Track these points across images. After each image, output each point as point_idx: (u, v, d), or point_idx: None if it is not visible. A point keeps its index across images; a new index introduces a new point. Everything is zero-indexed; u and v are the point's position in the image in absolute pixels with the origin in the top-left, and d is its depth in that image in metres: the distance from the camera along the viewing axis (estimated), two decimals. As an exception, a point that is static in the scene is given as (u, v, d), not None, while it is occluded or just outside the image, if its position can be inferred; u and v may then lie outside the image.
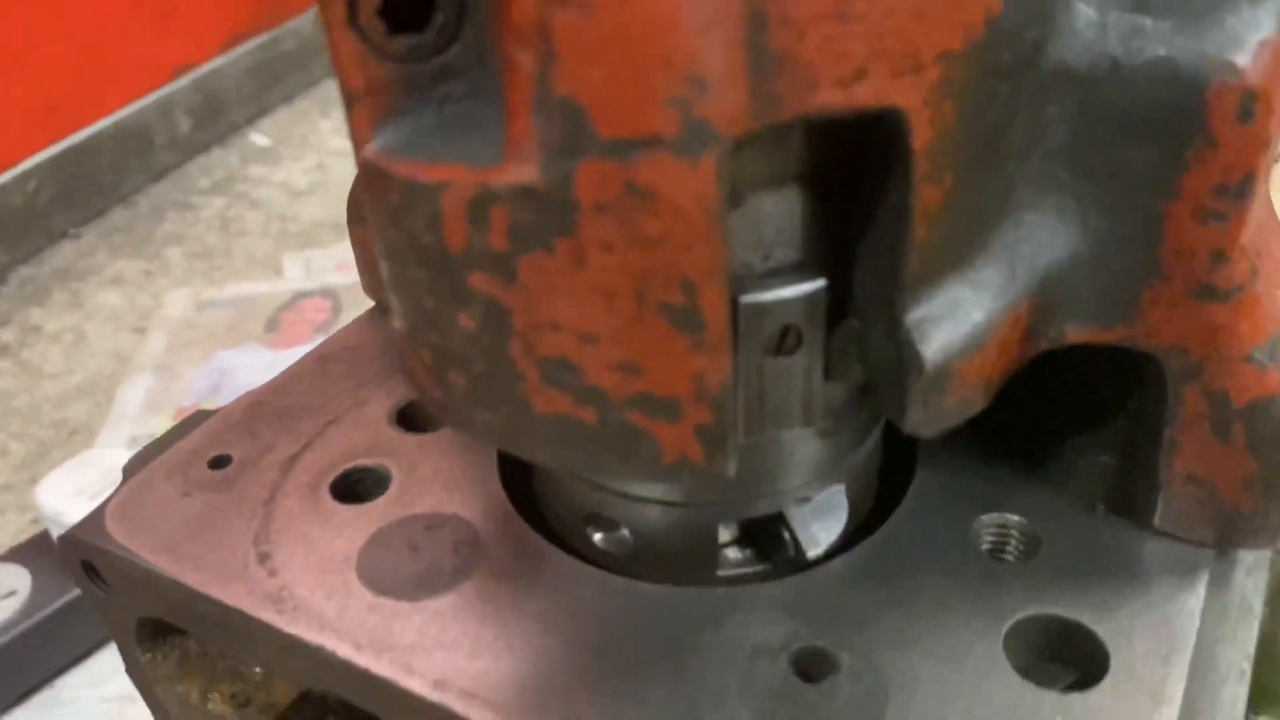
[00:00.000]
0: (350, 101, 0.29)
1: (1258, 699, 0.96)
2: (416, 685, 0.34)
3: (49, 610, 1.21)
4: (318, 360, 0.50)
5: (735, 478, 0.36)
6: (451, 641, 0.35)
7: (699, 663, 0.34)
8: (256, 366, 1.68)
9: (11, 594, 1.22)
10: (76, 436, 1.66)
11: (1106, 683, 0.33)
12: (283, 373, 0.49)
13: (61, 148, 2.11)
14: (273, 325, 1.83)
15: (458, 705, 0.33)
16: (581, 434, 0.30)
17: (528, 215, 0.26)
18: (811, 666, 0.34)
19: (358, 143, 0.29)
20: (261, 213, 2.20)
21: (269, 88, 2.51)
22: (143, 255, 2.09)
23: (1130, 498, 0.39)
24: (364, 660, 0.35)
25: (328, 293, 1.89)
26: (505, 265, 0.27)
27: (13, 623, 1.21)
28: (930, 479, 0.41)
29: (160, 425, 1.59)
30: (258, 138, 2.47)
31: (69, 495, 1.26)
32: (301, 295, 1.90)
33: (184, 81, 2.32)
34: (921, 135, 0.27)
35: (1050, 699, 0.33)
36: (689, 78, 0.24)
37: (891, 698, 0.33)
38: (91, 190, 2.17)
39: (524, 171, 0.26)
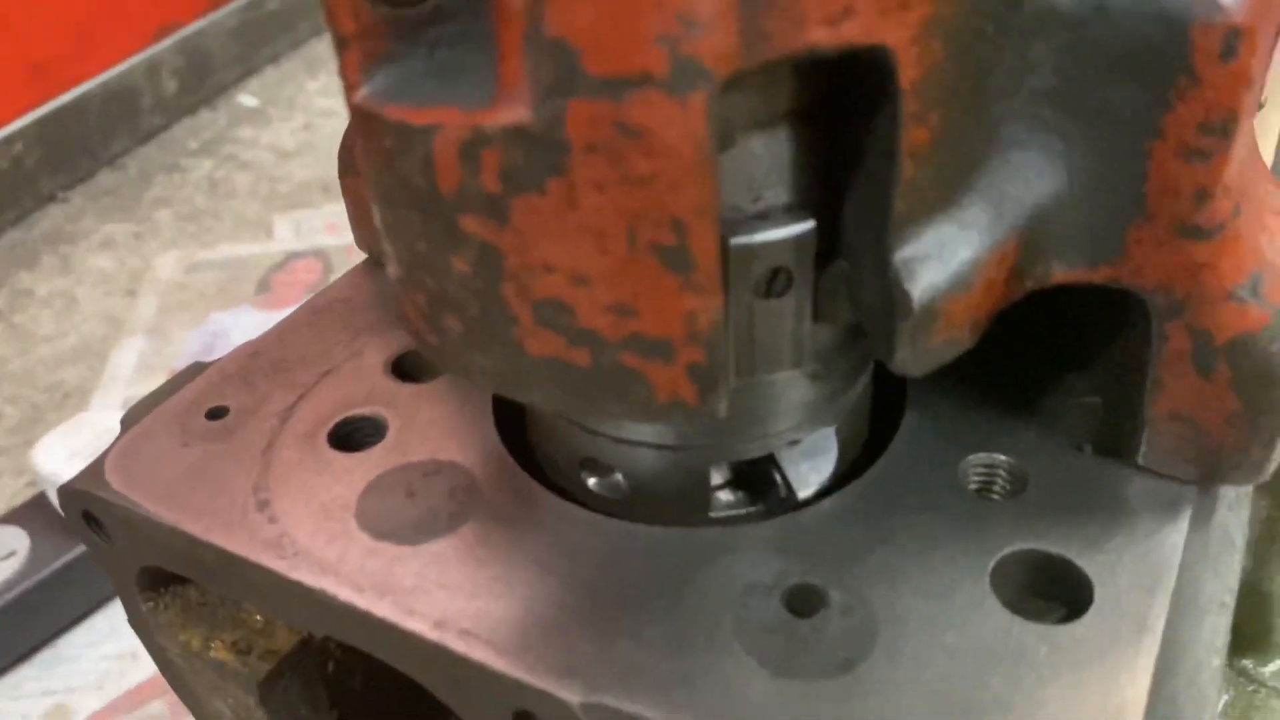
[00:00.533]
0: (341, 46, 0.29)
1: (1241, 643, 0.97)
2: (417, 626, 0.35)
3: (48, 571, 1.22)
4: (312, 312, 0.50)
5: (727, 420, 0.37)
6: (451, 583, 0.36)
7: (692, 600, 0.35)
8: (249, 328, 1.67)
9: (11, 555, 1.23)
10: (70, 400, 1.66)
11: (1091, 614, 0.34)
12: (277, 325, 0.49)
13: (47, 110, 2.09)
14: (264, 286, 1.83)
15: (457, 644, 0.34)
16: (575, 376, 0.30)
17: (519, 156, 0.27)
18: (802, 602, 0.35)
19: (349, 87, 0.29)
20: (251, 174, 2.18)
21: (256, 48, 2.49)
22: (132, 218, 2.08)
23: (1116, 436, 0.39)
24: (365, 603, 0.36)
25: (319, 253, 1.89)
26: (497, 207, 0.28)
27: (12, 583, 1.22)
28: (920, 420, 0.41)
29: (154, 388, 1.59)
30: (245, 99, 2.45)
31: (65, 457, 1.26)
32: (293, 256, 1.89)
33: (169, 42, 2.30)
34: (909, 73, 0.27)
35: (1036, 630, 0.33)
36: (679, 15, 0.24)
37: (881, 631, 0.34)
38: (79, 153, 2.15)
39: (515, 112, 0.26)
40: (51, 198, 2.12)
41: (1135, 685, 0.32)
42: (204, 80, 2.40)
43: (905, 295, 0.30)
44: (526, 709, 0.33)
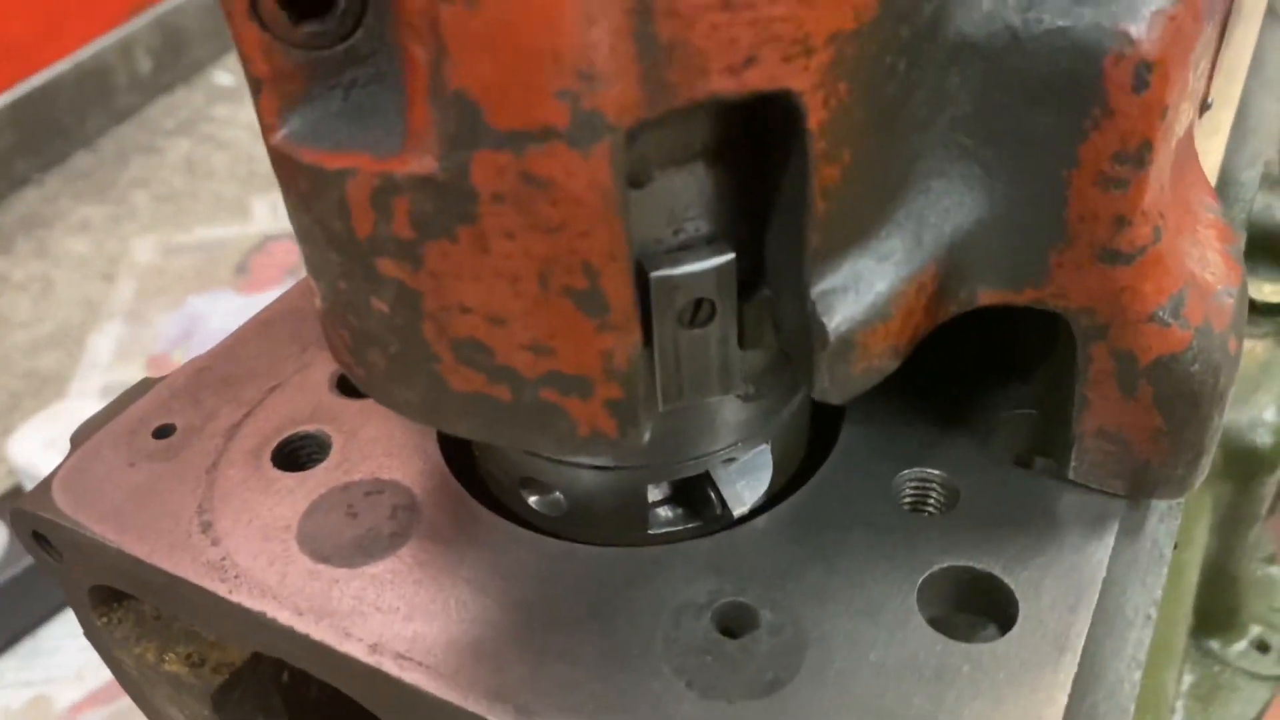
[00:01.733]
0: (256, 89, 0.29)
1: (1208, 624, 0.98)
2: (353, 649, 0.35)
3: (27, 562, 1.23)
4: (262, 325, 0.50)
5: (661, 442, 0.37)
6: (388, 606, 0.37)
7: (626, 620, 0.36)
8: (228, 311, 1.67)
9: (-12, 546, 1.24)
10: (49, 386, 1.66)
11: (1014, 632, 0.35)
12: (227, 338, 0.50)
13: (20, 92, 2.08)
14: (242, 269, 1.83)
15: (392, 668, 0.35)
16: (497, 410, 0.31)
17: (429, 204, 0.27)
18: (734, 621, 0.36)
19: (265, 130, 0.30)
20: (228, 154, 2.17)
21: (231, 24, 2.46)
22: (108, 200, 2.07)
23: (1048, 451, 0.40)
24: (303, 626, 0.36)
25: (296, 235, 1.88)
26: (411, 252, 0.28)
27: (-9, 574, 1.23)
28: (857, 436, 0.42)
29: (132, 373, 1.60)
30: (222, 76, 2.43)
31: (40, 448, 1.26)
32: (270, 238, 1.89)
33: (144, 19, 2.28)
34: (816, 115, 0.28)
35: (959, 649, 0.34)
36: (577, 70, 0.24)
37: (808, 651, 0.34)
38: (53, 134, 2.14)
39: (423, 162, 0.26)
40: (26, 181, 2.11)
41: (1053, 703, 0.33)
42: (179, 58, 2.38)
43: (821, 328, 0.31)
44: (461, 731, 0.34)
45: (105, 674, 1.18)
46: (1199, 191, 0.44)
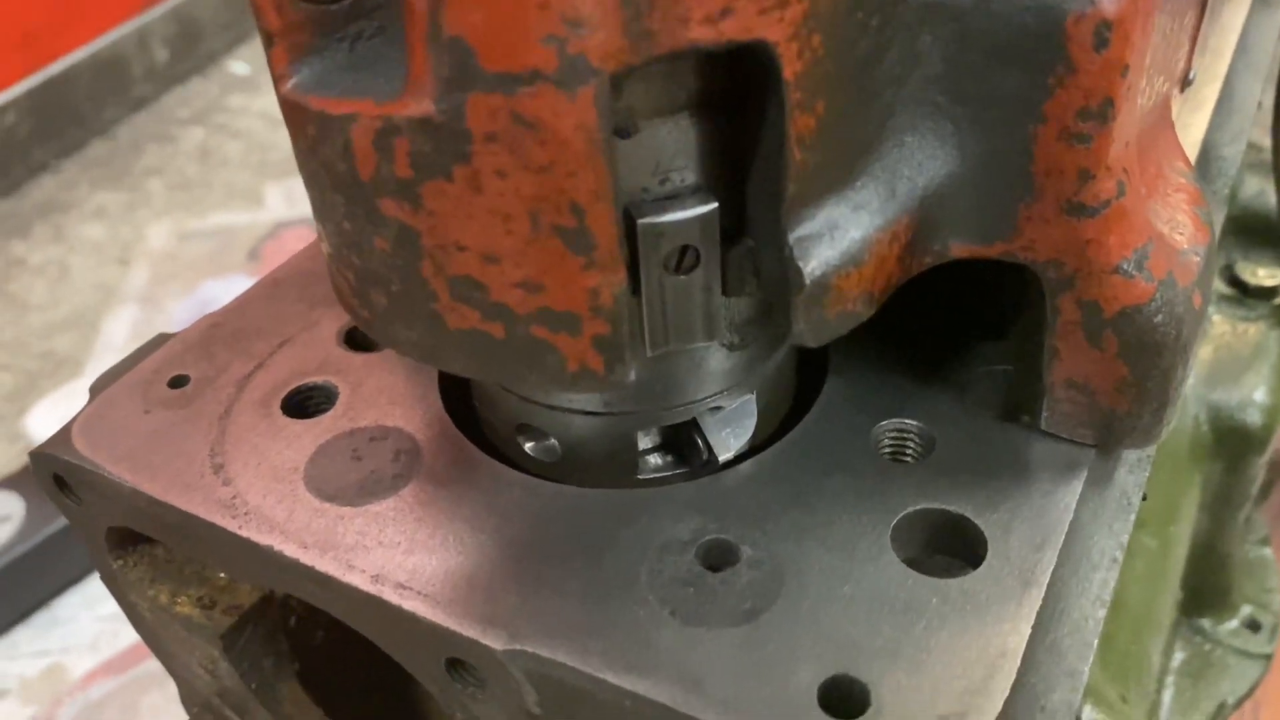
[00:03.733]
0: (268, 42, 0.31)
1: (1199, 602, 1.00)
2: (356, 580, 0.37)
3: (43, 535, 1.26)
4: (272, 284, 0.52)
5: (650, 388, 0.39)
6: (389, 541, 0.39)
7: (613, 556, 0.37)
8: (240, 297, 1.70)
9: (6, 519, 1.26)
10: (64, 368, 1.69)
11: (982, 569, 0.36)
12: (239, 297, 0.52)
13: (38, 80, 2.11)
14: (255, 255, 1.85)
15: (392, 597, 0.37)
16: (491, 347, 0.32)
17: (427, 145, 0.29)
18: (716, 557, 0.37)
19: (277, 79, 0.32)
20: (242, 143, 2.20)
21: (246, 15, 2.48)
22: (123, 187, 2.09)
23: (1023, 403, 0.42)
24: (309, 559, 0.38)
25: (309, 222, 1.90)
26: (411, 191, 0.30)
27: (8, 547, 1.25)
28: (840, 387, 0.44)
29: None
30: (237, 66, 2.46)
31: (57, 424, 1.29)
32: (283, 225, 1.92)
33: (160, 10, 2.30)
34: (791, 66, 0.29)
35: (928, 584, 0.36)
36: (564, 17, 0.26)
37: (786, 583, 0.36)
38: (70, 122, 2.17)
39: (421, 105, 0.28)
40: (44, 167, 2.14)
41: (1016, 634, 0.34)
42: (195, 48, 2.41)
43: (798, 271, 0.33)
44: (456, 656, 0.36)
45: (118, 644, 1.20)
46: (1173, 157, 0.45)
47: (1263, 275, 0.89)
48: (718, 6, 0.28)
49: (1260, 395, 0.81)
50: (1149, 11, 0.33)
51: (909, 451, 0.42)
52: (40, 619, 1.27)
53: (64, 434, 0.45)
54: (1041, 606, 0.36)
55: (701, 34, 0.28)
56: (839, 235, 0.33)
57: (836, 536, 0.38)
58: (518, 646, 0.35)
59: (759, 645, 0.34)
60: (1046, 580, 0.36)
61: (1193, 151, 0.55)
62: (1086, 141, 0.34)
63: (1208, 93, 0.59)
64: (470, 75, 0.27)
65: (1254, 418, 0.81)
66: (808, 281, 0.33)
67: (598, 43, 0.27)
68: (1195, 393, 0.82)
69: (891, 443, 0.42)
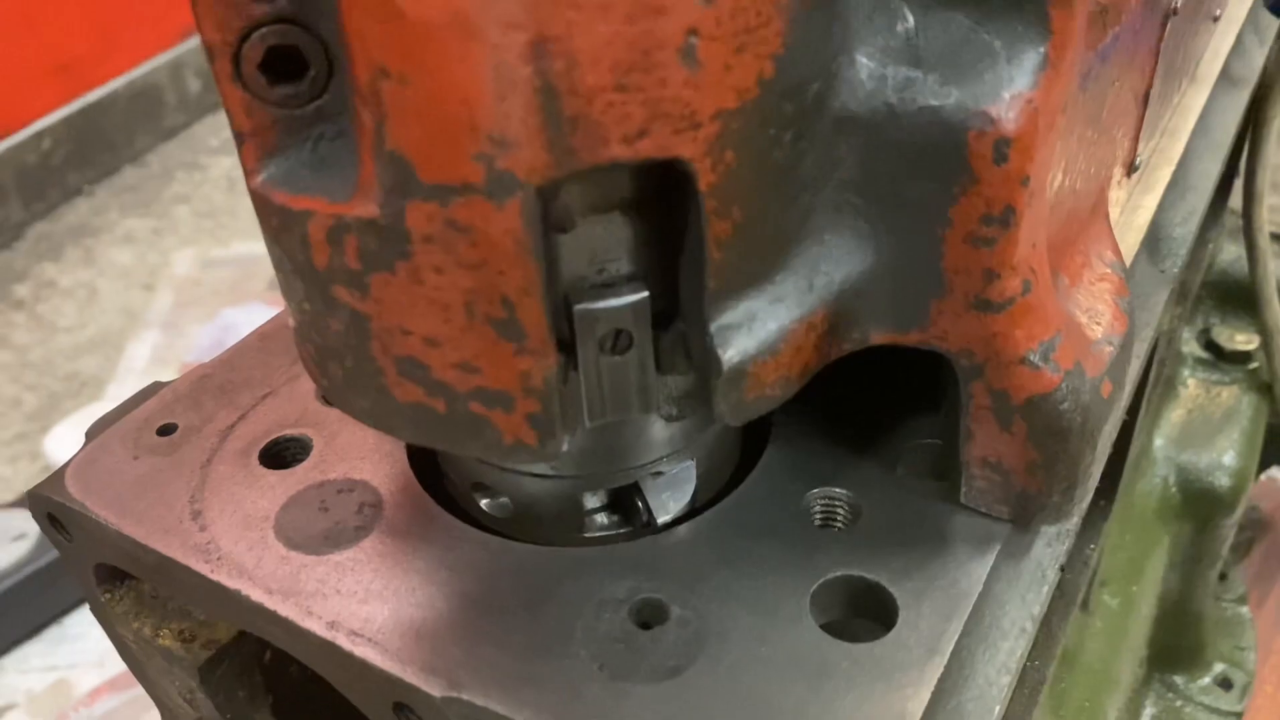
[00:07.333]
0: (239, 140, 0.35)
1: (1173, 659, 1.01)
2: (313, 625, 0.40)
3: (56, 553, 1.30)
4: (260, 338, 0.56)
5: (594, 453, 0.42)
6: (346, 590, 0.42)
7: (552, 611, 0.40)
8: (258, 324, 1.74)
9: (21, 537, 1.31)
10: (87, 389, 1.74)
11: (891, 635, 0.39)
12: (229, 349, 0.55)
13: (75, 107, 2.17)
14: (275, 285, 1.90)
15: (345, 643, 0.40)
16: (435, 420, 0.36)
17: (373, 242, 0.32)
18: (648, 615, 0.40)
19: (247, 174, 0.35)
20: (269, 172, 2.25)
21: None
22: (152, 214, 2.15)
23: (947, 475, 0.44)
24: (272, 604, 0.41)
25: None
26: (359, 281, 0.33)
27: (22, 564, 1.29)
28: (779, 453, 0.46)
29: (165, 379, 1.67)
30: (268, 97, 2.52)
31: (75, 447, 1.33)
32: (304, 255, 1.97)
33: (193, 43, 2.37)
34: (706, 179, 0.32)
35: (841, 648, 0.38)
36: (491, 137, 0.29)
37: (708, 642, 0.39)
38: (104, 149, 2.23)
39: (368, 208, 0.32)
40: (78, 191, 2.20)
41: (917, 699, 0.37)
42: (228, 79, 2.47)
43: (717, 360, 0.35)
44: (401, 700, 0.39)
45: (123, 663, 1.23)
46: (1102, 246, 0.48)
47: (1239, 340, 0.91)
48: (635, 128, 0.31)
49: (1229, 459, 0.83)
50: (1050, 126, 0.36)
51: (838, 519, 0.44)
52: (50, 634, 1.31)
53: (58, 476, 0.48)
54: (945, 673, 0.38)
55: (620, 152, 0.31)
56: (757, 326, 0.36)
57: (761, 599, 0.40)
58: (455, 695, 0.38)
59: (679, 701, 0.37)
60: (950, 649, 0.38)
61: (1140, 234, 0.57)
62: (991, 244, 0.36)
63: (1161, 174, 0.61)
64: (409, 185, 0.31)
65: (1222, 481, 0.83)
66: (725, 369, 0.36)
67: (523, 160, 0.30)
68: (1165, 454, 0.84)
69: (822, 509, 0.44)
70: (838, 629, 0.40)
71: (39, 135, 2.10)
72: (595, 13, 0.29)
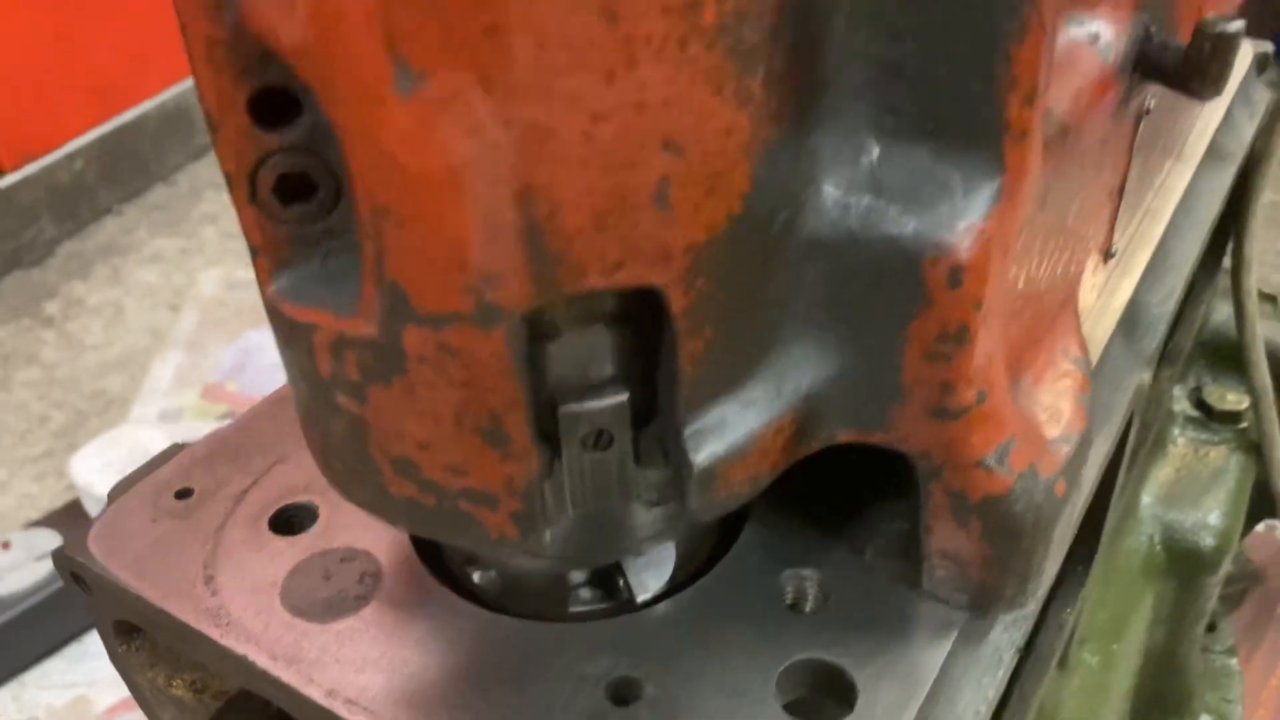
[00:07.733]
0: (254, 254, 0.38)
1: (1163, 709, 1.03)
2: (313, 693, 0.43)
3: (78, 573, 1.34)
4: (275, 404, 0.59)
5: (574, 538, 0.45)
6: (345, 658, 0.45)
7: (534, 686, 0.43)
8: (281, 346, 1.78)
9: (45, 556, 1.34)
10: (112, 407, 1.78)
11: (852, 717, 0.42)
12: (245, 413, 0.58)
13: (109, 128, 2.23)
14: (297, 307, 1.94)
15: (342, 711, 0.43)
16: (426, 513, 0.39)
17: (371, 358, 0.35)
18: (624, 693, 0.43)
19: (261, 285, 0.38)
20: (294, 194, 2.30)
21: (306, 70, 2.60)
22: (180, 233, 2.20)
23: (912, 561, 0.47)
24: (275, 670, 0.44)
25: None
26: (359, 391, 0.36)
27: (46, 583, 1.33)
28: (754, 536, 0.49)
29: (188, 400, 1.71)
30: (295, 117, 2.57)
31: (99, 469, 1.37)
32: (326, 278, 2.01)
33: (225, 64, 2.42)
34: (679, 303, 0.35)
35: (803, 730, 0.41)
36: (480, 273, 0.33)
37: (679, 721, 0.42)
38: (135, 169, 2.29)
39: (368, 328, 0.35)
40: (108, 210, 2.26)
41: (874, 779, 0.40)
42: (256, 100, 2.53)
43: (689, 463, 0.38)
44: (391, 767, 0.42)
45: (139, 684, 1.25)
46: (1068, 342, 0.51)
47: (1230, 400, 0.93)
48: (611, 261, 0.34)
49: (1214, 519, 0.85)
50: (1005, 252, 0.39)
51: (808, 600, 0.47)
52: (72, 651, 1.35)
53: (81, 538, 0.52)
54: (899, 756, 0.41)
55: (598, 282, 0.34)
56: (727, 431, 0.39)
57: (729, 679, 0.43)
58: (439, 764, 0.40)
59: (647, 778, 0.40)
60: (906, 732, 0.41)
61: (1117, 315, 0.60)
62: (948, 359, 0.39)
63: (1140, 258, 0.64)
64: (405, 311, 0.34)
65: (1207, 540, 0.85)
66: (696, 471, 0.38)
67: (510, 292, 0.33)
68: (1151, 513, 0.86)
69: (793, 591, 0.47)
70: (802, 706, 0.43)
71: (71, 156, 2.15)
72: (576, 166, 0.32)
